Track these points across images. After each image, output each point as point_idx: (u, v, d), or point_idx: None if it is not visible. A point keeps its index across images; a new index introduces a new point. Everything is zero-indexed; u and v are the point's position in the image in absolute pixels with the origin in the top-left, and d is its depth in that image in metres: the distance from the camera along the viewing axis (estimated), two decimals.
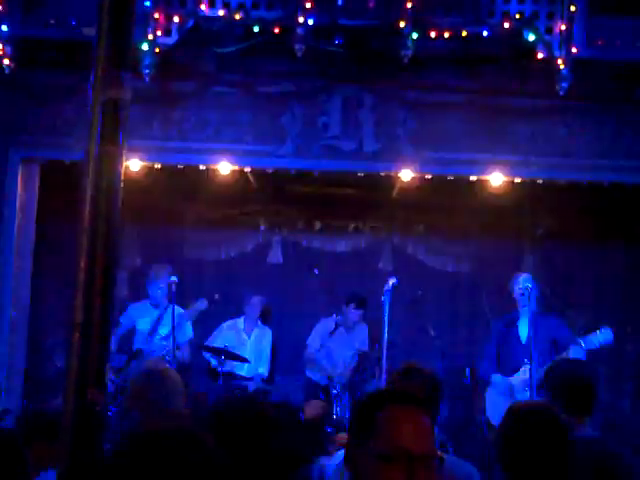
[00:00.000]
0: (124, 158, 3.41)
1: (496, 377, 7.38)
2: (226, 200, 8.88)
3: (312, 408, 6.91)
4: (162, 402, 3.85)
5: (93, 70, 3.38)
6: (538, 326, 7.20)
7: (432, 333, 8.38)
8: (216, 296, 8.57)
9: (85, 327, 3.23)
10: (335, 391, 7.70)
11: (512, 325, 7.47)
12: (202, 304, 8.07)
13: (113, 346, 7.83)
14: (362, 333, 8.55)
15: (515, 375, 7.20)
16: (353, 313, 8.37)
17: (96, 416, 3.02)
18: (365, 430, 2.21)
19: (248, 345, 8.48)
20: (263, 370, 8.52)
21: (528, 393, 6.66)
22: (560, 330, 7.31)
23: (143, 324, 8.05)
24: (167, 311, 7.84)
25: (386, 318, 6.65)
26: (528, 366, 6.88)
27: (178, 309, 7.82)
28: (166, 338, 7.82)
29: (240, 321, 8.67)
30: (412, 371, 3.91)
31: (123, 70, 3.40)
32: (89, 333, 3.22)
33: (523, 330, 7.37)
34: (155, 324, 7.95)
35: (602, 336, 6.94)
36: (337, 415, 7.50)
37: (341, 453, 3.65)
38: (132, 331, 8.12)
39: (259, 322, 8.71)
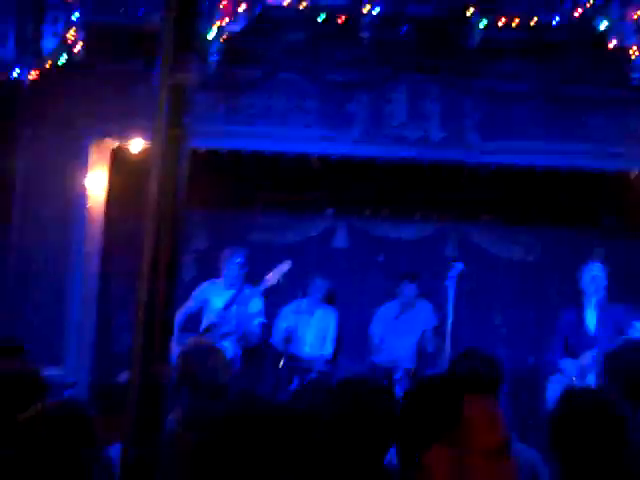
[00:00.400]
0: (190, 142, 3.50)
1: (566, 362, 7.28)
2: (293, 185, 8.96)
3: None
4: (207, 377, 3.92)
5: (160, 54, 3.47)
6: (606, 316, 7.12)
7: (497, 322, 8.35)
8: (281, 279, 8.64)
9: (150, 307, 3.34)
10: (397, 376, 7.71)
11: (580, 315, 7.38)
12: (286, 265, 8.02)
13: (177, 324, 7.87)
14: (425, 310, 8.49)
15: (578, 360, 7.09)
16: (408, 288, 8.36)
17: (160, 390, 3.13)
18: (446, 422, 2.19)
19: (312, 325, 8.53)
20: (327, 351, 8.57)
21: (590, 377, 6.59)
22: (626, 320, 7.17)
23: (217, 302, 8.11)
24: (241, 291, 8.01)
25: (451, 304, 6.64)
26: (592, 352, 6.83)
27: (248, 289, 8.01)
28: (239, 316, 7.98)
29: (303, 303, 8.73)
30: (473, 355, 3.92)
31: (190, 54, 3.49)
32: (154, 312, 3.33)
33: (591, 320, 7.29)
34: (229, 302, 8.01)
35: None
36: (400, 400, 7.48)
37: None
38: (202, 310, 8.18)
39: (323, 303, 8.77)
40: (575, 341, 7.30)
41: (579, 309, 7.41)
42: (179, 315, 7.89)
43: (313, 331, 8.45)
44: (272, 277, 7.94)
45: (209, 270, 8.65)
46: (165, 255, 3.39)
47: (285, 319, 8.55)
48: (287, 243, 9.60)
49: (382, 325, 8.57)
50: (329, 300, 8.89)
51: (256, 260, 9.06)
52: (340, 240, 9.65)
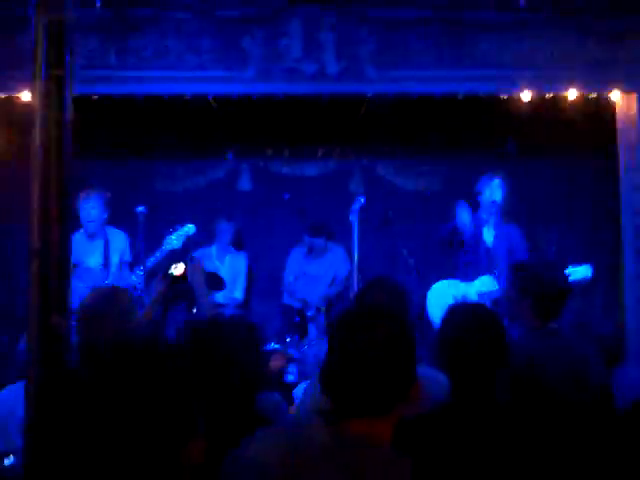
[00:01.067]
0: (73, 83, 3.36)
1: (450, 282, 7.36)
2: (192, 129, 8.83)
3: (276, 360, 7.03)
4: (115, 320, 3.83)
5: None
6: (502, 234, 7.22)
7: (404, 253, 8.42)
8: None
9: (43, 254, 3.23)
10: (310, 313, 7.76)
11: (478, 229, 7.39)
12: (190, 229, 7.65)
13: None
14: (336, 255, 8.54)
15: (472, 283, 7.18)
16: (312, 242, 8.42)
17: (60, 340, 3.05)
18: None
19: (221, 272, 8.46)
20: (238, 294, 8.53)
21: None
22: (519, 242, 7.31)
23: (93, 260, 7.40)
24: (112, 239, 7.50)
25: (355, 238, 6.68)
26: (488, 277, 6.93)
27: (116, 231, 7.58)
28: (122, 269, 7.46)
29: (212, 249, 8.67)
30: (378, 283, 3.93)
31: None
32: (48, 259, 3.22)
33: (488, 237, 7.36)
34: (105, 256, 7.41)
35: (583, 271, 6.81)
36: (314, 337, 7.55)
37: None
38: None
39: (232, 248, 8.71)
40: (468, 257, 7.32)
41: (478, 222, 7.39)
42: None
43: (224, 276, 8.37)
44: (177, 239, 7.53)
45: (113, 221, 8.45)
46: (55, 199, 3.27)
47: None
48: (191, 189, 9.49)
49: (293, 268, 8.60)
50: (237, 244, 8.85)
51: (160, 210, 8.93)
52: (244, 182, 9.57)
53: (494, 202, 7.28)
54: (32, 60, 3.35)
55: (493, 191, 7.33)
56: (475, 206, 7.50)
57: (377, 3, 7.06)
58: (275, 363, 6.67)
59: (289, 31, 7.16)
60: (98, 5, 6.40)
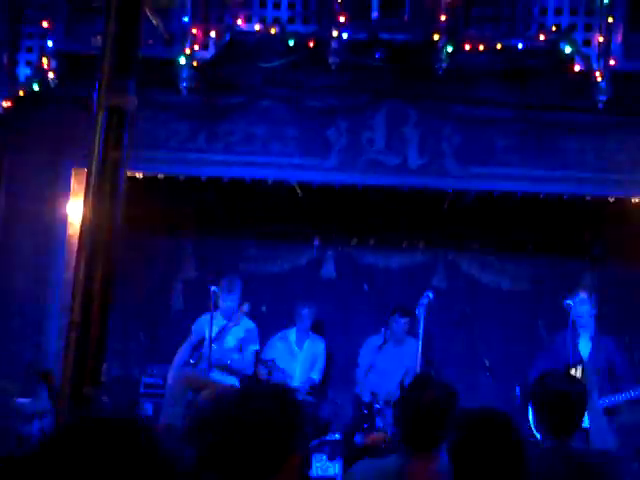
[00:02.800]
0: (127, 163, 3.47)
1: None
2: (278, 215, 8.94)
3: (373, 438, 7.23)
4: None
5: (98, 77, 3.47)
6: (596, 348, 7.05)
7: (483, 351, 8.28)
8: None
9: (83, 327, 3.31)
10: (378, 406, 7.65)
11: (574, 342, 7.25)
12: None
13: (187, 356, 8.11)
14: (412, 348, 8.43)
15: None
16: (399, 322, 8.29)
17: (92, 415, 3.09)
18: None
19: (299, 357, 8.49)
20: (315, 375, 8.52)
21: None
22: (617, 355, 7.14)
23: (207, 332, 7.98)
24: (238, 324, 8.11)
25: (421, 332, 6.61)
26: None
27: (248, 322, 8.15)
28: (234, 350, 8.04)
29: (291, 332, 8.69)
30: (426, 383, 3.86)
31: (129, 77, 3.49)
32: (87, 332, 3.30)
33: (584, 350, 7.22)
34: (221, 332, 8.01)
35: None
36: (379, 430, 7.45)
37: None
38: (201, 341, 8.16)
39: (310, 333, 8.73)
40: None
41: (573, 335, 7.28)
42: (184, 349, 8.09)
43: (301, 364, 8.41)
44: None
45: (197, 299, 8.61)
46: (100, 275, 3.37)
47: (273, 349, 8.50)
48: (275, 272, 9.58)
49: (368, 358, 8.51)
50: (317, 329, 8.86)
51: (243, 290, 9.03)
52: (328, 270, 9.61)
53: (586, 318, 7.18)
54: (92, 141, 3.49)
55: (583, 307, 7.22)
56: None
57: (460, 101, 7.12)
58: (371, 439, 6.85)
59: (373, 124, 7.27)
60: (184, 94, 6.63)
